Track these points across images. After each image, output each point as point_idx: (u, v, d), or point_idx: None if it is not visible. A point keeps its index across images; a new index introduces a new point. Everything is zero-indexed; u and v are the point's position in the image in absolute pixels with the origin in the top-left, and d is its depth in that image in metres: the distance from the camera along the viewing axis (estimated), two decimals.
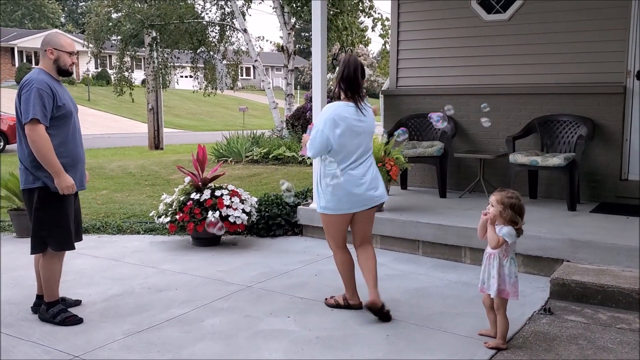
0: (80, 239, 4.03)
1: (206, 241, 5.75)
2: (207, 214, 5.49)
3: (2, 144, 17.38)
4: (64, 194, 3.67)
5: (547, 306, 4.03)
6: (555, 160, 5.82)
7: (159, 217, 5.79)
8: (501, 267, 3.37)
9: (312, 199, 6.22)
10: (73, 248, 3.89)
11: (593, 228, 5.05)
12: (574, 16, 6.34)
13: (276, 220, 6.13)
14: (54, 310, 3.78)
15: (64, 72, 3.81)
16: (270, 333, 3.66)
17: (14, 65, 42.50)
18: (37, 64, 44.18)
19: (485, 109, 6.21)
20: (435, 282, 4.66)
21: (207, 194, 5.63)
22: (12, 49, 42.66)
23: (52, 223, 3.74)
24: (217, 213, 5.51)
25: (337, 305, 4.07)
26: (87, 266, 5.02)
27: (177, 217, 5.58)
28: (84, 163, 3.97)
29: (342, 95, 3.84)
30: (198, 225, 5.51)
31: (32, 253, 3.82)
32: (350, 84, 3.80)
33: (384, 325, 3.75)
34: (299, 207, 6.19)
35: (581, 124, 6.22)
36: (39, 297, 3.97)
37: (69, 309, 3.89)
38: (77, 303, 4.12)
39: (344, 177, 3.79)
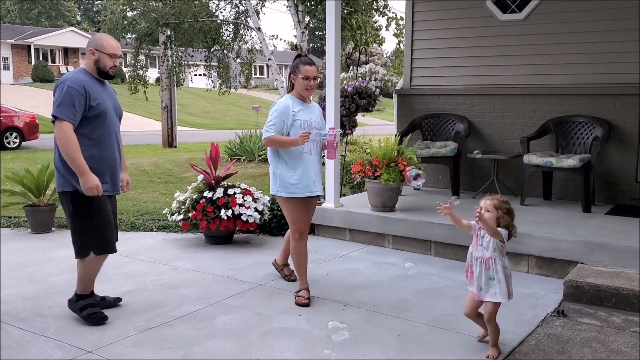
0: (116, 240, 3.88)
1: (219, 239, 5.77)
2: (220, 212, 5.51)
3: (18, 140, 17.56)
4: (88, 195, 3.55)
5: (561, 308, 3.99)
6: (570, 161, 5.77)
7: (172, 214, 5.82)
8: (505, 268, 3.27)
9: (324, 198, 6.22)
10: (114, 250, 3.82)
11: (608, 230, 5.01)
12: (590, 16, 6.28)
13: None
14: (83, 303, 3.78)
15: (104, 74, 3.72)
16: (281, 331, 3.66)
17: (30, 63, 42.93)
18: (53, 62, 44.67)
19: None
20: (447, 282, 4.64)
21: (219, 192, 5.65)
22: (29, 47, 43.08)
23: (90, 227, 3.68)
24: (230, 211, 5.52)
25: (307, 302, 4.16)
26: None
27: (190, 214, 5.60)
28: (120, 167, 3.86)
29: None
30: (211, 223, 5.53)
31: (77, 257, 3.76)
32: None
33: (395, 325, 3.75)
34: None
35: (597, 125, 6.17)
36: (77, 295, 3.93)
37: (106, 309, 3.89)
38: (118, 301, 4.09)
39: None
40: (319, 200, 6.01)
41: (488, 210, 3.23)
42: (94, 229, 3.69)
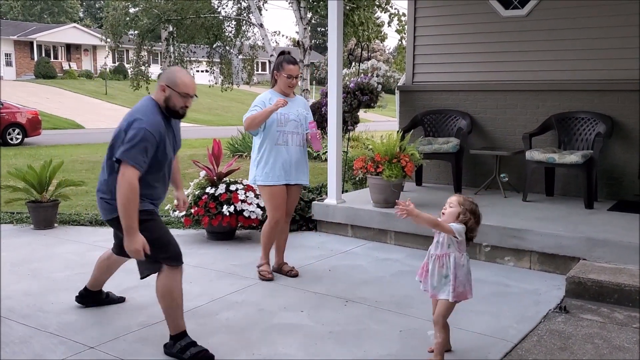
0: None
1: (221, 235, 5.77)
2: (222, 209, 5.51)
3: (20, 136, 17.59)
4: (130, 254, 3.22)
5: (563, 304, 3.99)
6: (573, 157, 5.76)
7: (174, 210, 5.83)
8: (458, 266, 3.08)
9: (326, 194, 6.22)
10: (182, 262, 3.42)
11: (610, 226, 5.00)
12: (592, 12, 6.27)
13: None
14: (182, 343, 3.26)
15: (173, 113, 3.35)
16: (284, 327, 3.67)
17: (33, 59, 42.95)
18: (55, 58, 44.56)
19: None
20: None
21: (222, 188, 5.65)
22: (31, 43, 43.10)
23: (160, 241, 3.29)
24: (232, 207, 5.53)
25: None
26: None
27: (192, 211, 5.61)
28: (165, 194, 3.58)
29: None
30: (213, 219, 5.54)
31: (143, 277, 3.40)
32: None
33: (398, 321, 3.75)
34: (313, 202, 6.20)
35: (600, 121, 6.15)
36: (86, 289, 3.98)
37: (108, 305, 3.90)
38: (121, 300, 4.06)
39: None
40: (314, 194, 6.03)
41: (452, 206, 3.13)
42: (164, 240, 3.31)
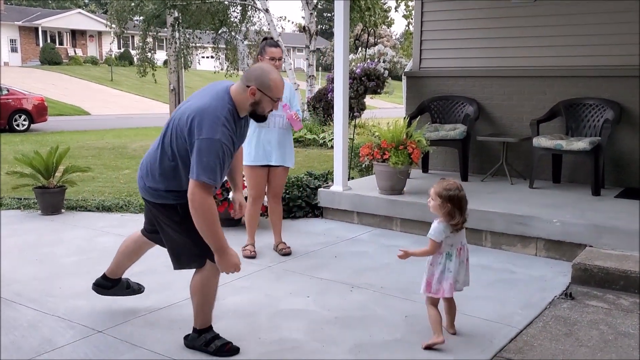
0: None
1: (226, 222, 5.77)
2: (228, 195, 5.52)
3: (26, 123, 17.64)
4: (227, 273, 3.01)
5: (569, 291, 4.00)
6: (580, 144, 5.74)
7: None
8: (434, 264, 3.23)
9: (332, 181, 6.22)
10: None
11: (617, 213, 4.99)
12: None
13: (297, 202, 6.14)
14: (207, 336, 3.18)
15: (257, 117, 3.03)
16: (290, 312, 3.69)
17: (38, 45, 42.96)
18: (60, 44, 44.48)
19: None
20: None
21: None
22: (36, 29, 43.08)
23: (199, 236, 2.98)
24: None
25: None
26: (111, 244, 5.09)
27: None
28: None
29: None
30: (219, 205, 5.55)
31: (180, 269, 3.21)
32: None
33: (403, 307, 3.77)
34: (319, 189, 6.20)
35: (607, 107, 6.11)
36: (105, 277, 3.64)
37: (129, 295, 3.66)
38: (140, 289, 3.79)
39: None
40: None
41: (433, 199, 3.20)
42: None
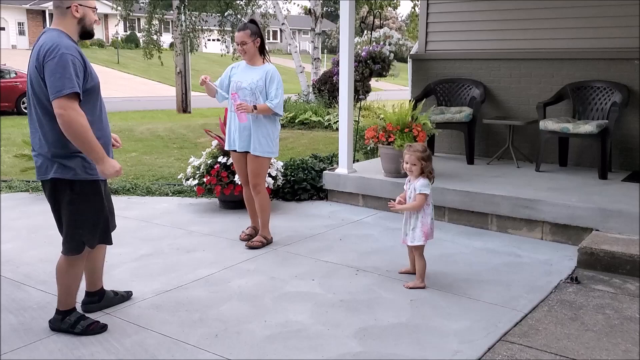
0: (114, 228, 3.42)
1: (233, 204, 5.81)
2: (234, 178, 5.53)
3: None
4: (109, 178, 3.08)
5: (575, 275, 4.00)
6: (588, 127, 5.70)
7: (187, 179, 5.86)
8: (425, 215, 3.74)
9: (337, 164, 6.22)
10: (111, 242, 3.34)
11: (624, 197, 4.97)
12: None
13: (302, 184, 6.15)
14: (72, 318, 3.19)
15: (87, 34, 3.10)
16: (295, 295, 3.71)
17: (45, 27, 42.87)
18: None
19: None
20: (460, 249, 4.65)
21: None
22: (44, 12, 42.94)
23: (91, 219, 3.13)
24: None
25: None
26: (118, 227, 5.12)
27: (205, 180, 5.64)
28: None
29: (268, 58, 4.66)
30: (225, 188, 5.57)
31: (67, 254, 3.16)
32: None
33: (409, 290, 3.78)
34: (324, 172, 6.20)
35: (615, 90, 6.06)
36: (88, 294, 3.49)
37: (118, 304, 3.50)
38: (129, 295, 3.65)
39: None
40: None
41: (414, 164, 3.71)
42: (96, 219, 3.15)
